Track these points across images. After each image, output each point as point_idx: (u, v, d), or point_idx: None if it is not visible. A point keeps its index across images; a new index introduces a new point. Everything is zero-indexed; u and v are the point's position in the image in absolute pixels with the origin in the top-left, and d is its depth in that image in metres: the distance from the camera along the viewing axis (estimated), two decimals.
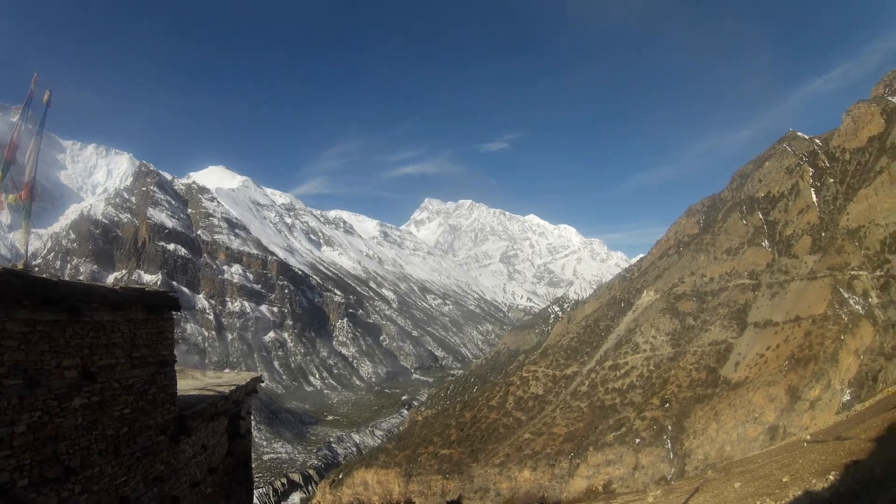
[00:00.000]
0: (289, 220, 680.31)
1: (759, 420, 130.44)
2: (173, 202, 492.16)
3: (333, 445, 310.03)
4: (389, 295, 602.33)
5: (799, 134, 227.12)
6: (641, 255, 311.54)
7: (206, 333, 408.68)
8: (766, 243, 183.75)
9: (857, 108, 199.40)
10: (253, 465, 25.91)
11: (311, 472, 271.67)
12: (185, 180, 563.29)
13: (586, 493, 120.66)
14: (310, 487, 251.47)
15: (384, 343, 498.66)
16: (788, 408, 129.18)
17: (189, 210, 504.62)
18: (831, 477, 26.82)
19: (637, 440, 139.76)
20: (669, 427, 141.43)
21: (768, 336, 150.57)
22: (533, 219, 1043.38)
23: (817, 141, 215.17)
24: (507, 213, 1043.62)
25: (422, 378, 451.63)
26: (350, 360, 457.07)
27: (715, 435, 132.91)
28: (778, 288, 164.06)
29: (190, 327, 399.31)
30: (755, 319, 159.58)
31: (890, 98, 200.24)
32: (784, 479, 29.65)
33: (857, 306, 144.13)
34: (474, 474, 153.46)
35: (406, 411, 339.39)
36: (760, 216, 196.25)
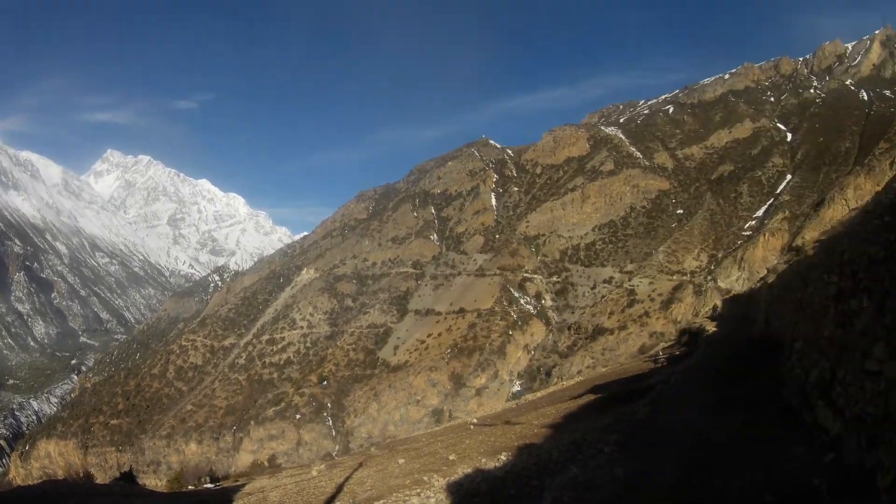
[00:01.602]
0: None
1: (423, 403, 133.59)
2: None
3: (17, 413, 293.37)
4: (62, 249, 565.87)
5: (491, 141, 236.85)
6: (306, 233, 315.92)
7: None
8: (434, 237, 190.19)
9: (561, 129, 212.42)
10: None
11: (2, 442, 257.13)
12: None
13: (252, 467, 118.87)
14: (4, 460, 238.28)
15: (55, 301, 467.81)
16: (453, 393, 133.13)
17: None
18: (503, 457, 26.01)
19: (298, 416, 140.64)
20: (329, 405, 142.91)
21: (430, 324, 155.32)
22: (205, 184, 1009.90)
23: (509, 151, 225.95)
24: (181, 174, 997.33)
25: (89, 341, 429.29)
26: (25, 318, 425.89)
27: (377, 414, 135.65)
28: (443, 280, 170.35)
29: None
30: (416, 307, 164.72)
31: (603, 128, 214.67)
32: (451, 458, 28.71)
33: (528, 306, 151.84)
34: (145, 447, 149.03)
35: (76, 377, 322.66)
36: (433, 211, 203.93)
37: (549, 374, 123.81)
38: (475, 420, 47.03)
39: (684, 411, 20.75)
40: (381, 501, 22.27)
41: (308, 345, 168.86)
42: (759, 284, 54.63)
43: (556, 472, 19.20)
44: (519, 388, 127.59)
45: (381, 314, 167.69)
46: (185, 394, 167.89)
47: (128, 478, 52.55)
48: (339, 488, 25.88)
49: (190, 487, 56.56)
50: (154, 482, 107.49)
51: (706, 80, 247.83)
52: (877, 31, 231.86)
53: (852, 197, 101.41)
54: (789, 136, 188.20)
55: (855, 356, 11.60)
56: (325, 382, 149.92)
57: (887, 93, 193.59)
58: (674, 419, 20.06)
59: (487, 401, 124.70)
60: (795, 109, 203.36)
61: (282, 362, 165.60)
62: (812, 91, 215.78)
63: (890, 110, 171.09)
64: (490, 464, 25.34)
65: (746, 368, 23.83)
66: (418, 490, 23.09)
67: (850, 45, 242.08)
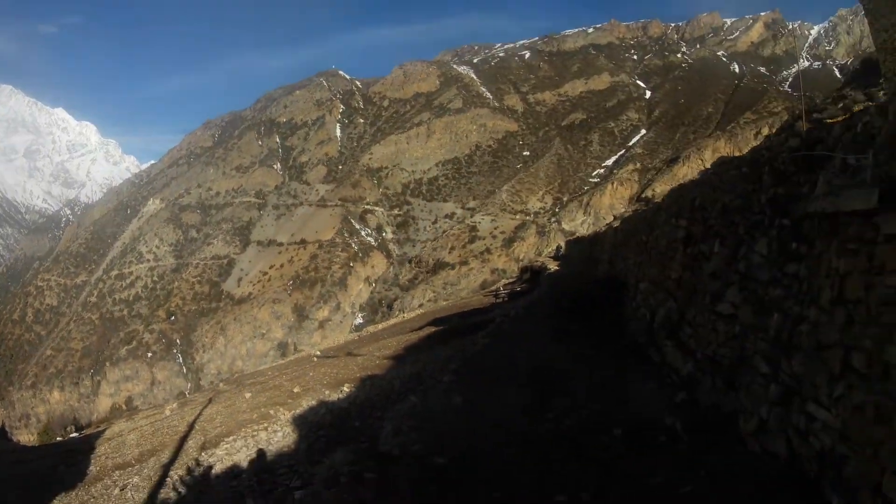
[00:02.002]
0: None
1: (268, 336, 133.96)
2: None
3: None
4: None
5: (340, 72, 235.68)
6: (153, 162, 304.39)
7: None
8: (277, 166, 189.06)
9: (412, 64, 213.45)
10: None
11: None
12: None
13: (112, 411, 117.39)
14: None
15: None
16: (297, 325, 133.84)
17: None
18: (346, 389, 26.29)
19: (149, 354, 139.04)
20: (178, 341, 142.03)
21: (272, 255, 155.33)
22: (60, 112, 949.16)
23: (357, 83, 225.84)
24: (39, 103, 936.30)
25: None
26: None
27: (224, 349, 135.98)
28: (284, 210, 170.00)
29: None
30: (259, 238, 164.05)
31: (455, 66, 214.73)
32: (296, 390, 28.55)
33: (369, 238, 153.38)
34: (14, 399, 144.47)
35: None
36: (278, 140, 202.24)
37: (390, 306, 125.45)
38: (319, 352, 47.09)
39: (525, 344, 20.43)
40: (231, 437, 22.26)
41: (155, 279, 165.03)
42: (604, 227, 55.75)
43: (398, 401, 19.15)
44: (361, 321, 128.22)
45: (224, 245, 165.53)
46: (44, 338, 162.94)
47: (1, 434, 51.22)
48: (191, 426, 25.48)
49: (58, 438, 55.71)
50: (27, 437, 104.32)
51: (568, 32, 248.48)
52: (762, 13, 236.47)
53: (709, 158, 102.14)
54: (648, 93, 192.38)
55: (704, 298, 11.78)
56: (173, 318, 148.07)
57: (762, 69, 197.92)
58: (514, 351, 19.70)
59: (331, 333, 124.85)
60: (659, 70, 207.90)
61: (131, 298, 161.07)
62: (680, 56, 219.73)
63: (762, 85, 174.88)
64: (334, 395, 25.49)
65: (590, 306, 23.94)
66: (265, 424, 23.16)
67: (729, 21, 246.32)
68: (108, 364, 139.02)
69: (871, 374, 6.26)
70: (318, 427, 21.42)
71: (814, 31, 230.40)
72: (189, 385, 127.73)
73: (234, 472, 19.56)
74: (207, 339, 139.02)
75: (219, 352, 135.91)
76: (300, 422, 22.81)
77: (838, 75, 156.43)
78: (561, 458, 10.16)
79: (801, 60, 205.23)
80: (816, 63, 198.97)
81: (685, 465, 9.04)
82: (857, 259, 6.62)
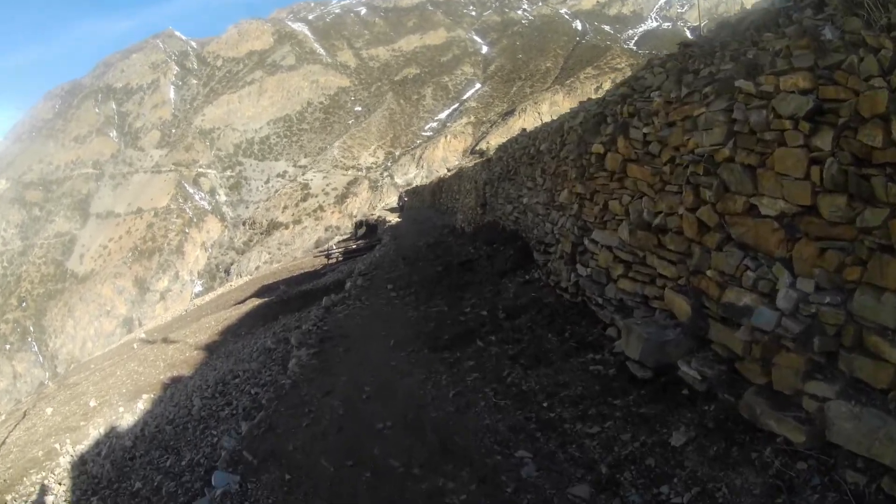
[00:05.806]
0: None
1: (113, 313, 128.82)
2: None
3: None
4: None
5: (176, 33, 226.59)
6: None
7: None
8: (114, 133, 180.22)
9: (247, 22, 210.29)
10: None
11: None
12: None
13: None
14: None
15: None
16: (139, 299, 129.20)
17: None
18: (142, 405, 19.60)
19: (7, 346, 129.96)
20: (32, 328, 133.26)
21: (111, 227, 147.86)
22: None
23: (193, 43, 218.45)
24: None
25: None
26: None
27: (74, 332, 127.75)
28: (121, 179, 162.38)
29: None
30: (98, 210, 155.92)
31: (290, 23, 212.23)
32: (92, 404, 22.83)
33: (203, 202, 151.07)
34: None
35: None
36: (114, 106, 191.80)
37: (227, 271, 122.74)
38: (143, 335, 43.57)
39: (378, 364, 10.23)
40: (10, 496, 17.07)
41: (5, 264, 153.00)
42: (449, 172, 49.64)
43: (195, 442, 13.28)
44: (200, 288, 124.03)
45: (65, 221, 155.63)
46: None
47: None
48: None
49: None
50: None
51: None
52: None
53: (547, 111, 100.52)
54: (485, 48, 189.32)
55: None
56: (24, 304, 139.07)
57: (607, 27, 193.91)
58: (360, 387, 9.22)
59: (172, 304, 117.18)
60: (497, 26, 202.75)
61: None
62: (520, 12, 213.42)
63: (605, 42, 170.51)
64: (127, 417, 19.50)
65: (464, 270, 15.92)
66: (44, 472, 17.82)
67: None
68: None
69: None
70: (94, 489, 15.12)
71: None
72: (47, 374, 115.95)
73: None
74: (58, 323, 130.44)
75: (69, 335, 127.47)
76: (78, 470, 16.98)
77: (689, 36, 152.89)
78: None
79: (650, 20, 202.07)
80: (666, 24, 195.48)
81: None
82: None
